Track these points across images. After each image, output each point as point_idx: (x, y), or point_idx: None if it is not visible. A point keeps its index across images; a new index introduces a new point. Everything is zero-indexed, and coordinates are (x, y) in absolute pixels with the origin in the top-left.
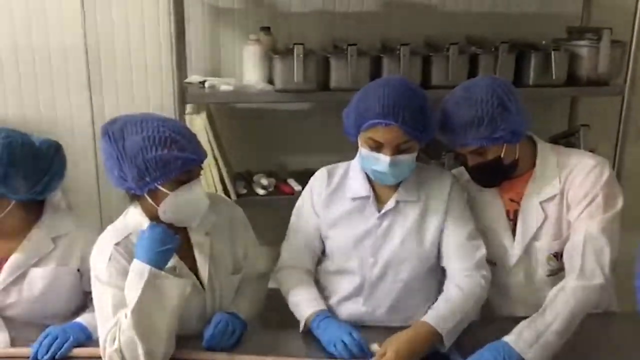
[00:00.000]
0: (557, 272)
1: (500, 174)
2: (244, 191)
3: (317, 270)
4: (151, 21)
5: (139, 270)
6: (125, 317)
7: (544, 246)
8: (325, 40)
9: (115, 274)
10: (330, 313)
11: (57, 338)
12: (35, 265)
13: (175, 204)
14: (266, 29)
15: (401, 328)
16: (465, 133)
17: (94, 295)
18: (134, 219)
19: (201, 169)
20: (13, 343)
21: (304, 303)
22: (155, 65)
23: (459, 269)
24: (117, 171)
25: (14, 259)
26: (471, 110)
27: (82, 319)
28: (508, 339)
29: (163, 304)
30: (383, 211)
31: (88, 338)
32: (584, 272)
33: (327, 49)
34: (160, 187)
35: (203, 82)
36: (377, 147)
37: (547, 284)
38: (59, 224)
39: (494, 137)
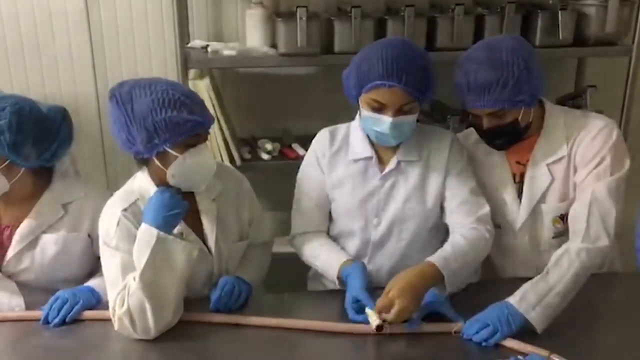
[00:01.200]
0: (563, 234)
1: (514, 137)
2: (249, 156)
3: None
4: None
5: (147, 233)
6: (134, 279)
7: (551, 208)
8: (328, 2)
9: (123, 238)
10: (358, 263)
11: (67, 301)
12: (46, 231)
13: (184, 166)
14: None
15: None
16: (488, 94)
17: (102, 259)
18: (141, 184)
19: (208, 133)
20: (28, 308)
21: (332, 260)
22: (157, 30)
23: (463, 223)
24: (125, 134)
25: (25, 225)
26: (497, 72)
27: (92, 282)
28: (511, 299)
29: (171, 267)
30: (385, 171)
31: (98, 301)
32: (589, 234)
33: (331, 11)
34: (169, 150)
35: (206, 47)
36: (379, 108)
37: (553, 246)
38: (68, 191)
39: (517, 100)
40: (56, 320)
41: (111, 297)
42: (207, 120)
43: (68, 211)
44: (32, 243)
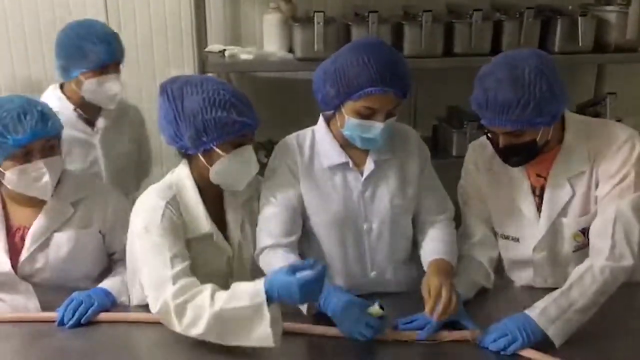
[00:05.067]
0: (583, 248)
1: (530, 155)
2: (265, 160)
3: (311, 245)
4: None
5: (257, 292)
6: (212, 299)
7: (571, 223)
8: (346, 7)
9: (169, 229)
10: (331, 285)
11: (82, 303)
12: (58, 230)
13: (228, 166)
14: None
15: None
16: (506, 114)
17: (140, 247)
18: (180, 179)
19: (254, 134)
20: (43, 308)
21: None
22: (175, 34)
23: (436, 219)
24: (173, 130)
25: (36, 225)
26: (517, 92)
27: (106, 284)
28: (531, 313)
29: (246, 333)
30: (366, 175)
31: (112, 303)
32: (614, 253)
33: (348, 16)
34: (215, 148)
35: (223, 51)
36: (369, 114)
37: (573, 260)
38: (76, 189)
39: (536, 122)
40: (71, 321)
41: (154, 279)
42: (254, 121)
43: (77, 209)
44: (45, 243)
